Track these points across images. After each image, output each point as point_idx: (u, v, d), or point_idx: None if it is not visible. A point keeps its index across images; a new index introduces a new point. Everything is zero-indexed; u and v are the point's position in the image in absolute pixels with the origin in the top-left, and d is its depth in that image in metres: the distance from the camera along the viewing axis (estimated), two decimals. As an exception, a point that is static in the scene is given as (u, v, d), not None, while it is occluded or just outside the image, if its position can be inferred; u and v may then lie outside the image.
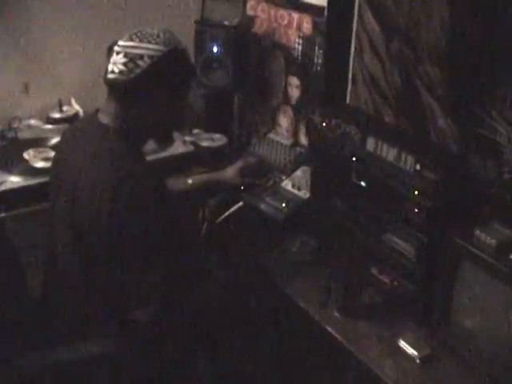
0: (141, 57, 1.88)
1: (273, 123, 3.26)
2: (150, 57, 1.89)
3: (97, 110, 2.06)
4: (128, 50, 1.90)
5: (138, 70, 1.88)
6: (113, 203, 1.82)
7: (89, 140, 2.00)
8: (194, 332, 2.18)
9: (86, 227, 1.90)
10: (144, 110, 1.97)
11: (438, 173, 1.92)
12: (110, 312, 1.99)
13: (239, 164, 2.65)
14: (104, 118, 1.99)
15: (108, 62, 1.96)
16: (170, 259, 1.97)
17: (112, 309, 1.99)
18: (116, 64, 1.91)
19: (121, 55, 1.90)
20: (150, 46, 1.90)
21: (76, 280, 1.99)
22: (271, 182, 2.62)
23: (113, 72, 1.91)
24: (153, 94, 1.94)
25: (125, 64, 1.89)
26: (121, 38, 1.95)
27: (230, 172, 2.62)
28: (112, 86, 1.95)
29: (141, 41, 1.91)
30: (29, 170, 2.64)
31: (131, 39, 1.92)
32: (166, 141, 2.27)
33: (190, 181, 2.55)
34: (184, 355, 2.16)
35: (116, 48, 1.93)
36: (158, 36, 1.92)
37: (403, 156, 2.01)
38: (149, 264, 1.92)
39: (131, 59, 1.89)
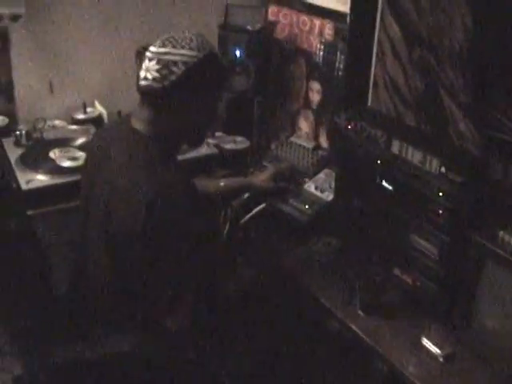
0: (175, 63, 1.86)
1: (293, 127, 3.30)
2: (185, 63, 1.86)
3: (129, 115, 2.03)
4: (161, 57, 1.88)
5: (172, 77, 1.86)
6: (147, 215, 1.80)
7: (123, 147, 1.97)
8: (218, 331, 2.20)
9: (119, 236, 1.89)
10: (178, 116, 1.95)
11: (463, 175, 1.95)
12: (139, 316, 1.99)
13: (271, 170, 2.66)
14: (137, 125, 1.97)
15: (138, 67, 1.95)
16: (199, 266, 1.99)
17: (141, 313, 1.99)
18: (149, 71, 1.88)
19: (153, 62, 1.88)
20: (184, 51, 1.87)
21: (106, 283, 2.00)
22: (297, 185, 2.65)
23: (146, 79, 1.89)
24: (187, 99, 1.92)
25: (158, 71, 1.87)
26: (152, 44, 1.93)
27: (262, 177, 2.62)
28: (145, 92, 1.92)
29: (174, 47, 1.88)
30: (55, 169, 2.68)
31: (164, 45, 1.90)
32: (199, 144, 2.25)
33: (222, 183, 2.56)
34: (207, 356, 2.18)
35: (148, 54, 1.91)
36: (192, 41, 1.90)
37: (428, 159, 2.04)
38: (180, 274, 1.92)
39: (165, 66, 1.86)
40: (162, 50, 1.89)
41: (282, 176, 2.66)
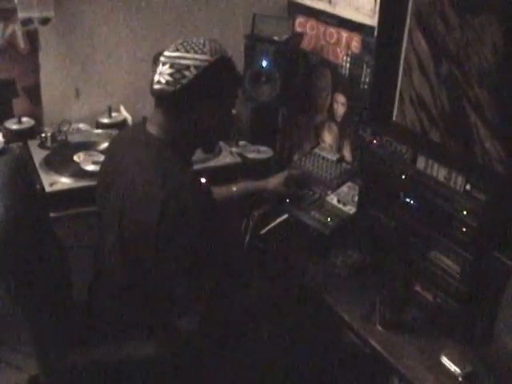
0: (187, 67, 1.89)
1: (316, 139, 3.30)
2: (196, 67, 1.89)
3: (145, 120, 2.07)
4: (174, 61, 1.91)
5: (184, 81, 1.89)
6: (160, 217, 1.82)
7: (137, 150, 2.00)
8: (234, 341, 2.20)
9: (133, 238, 1.91)
10: (191, 120, 1.97)
11: (488, 193, 1.94)
12: (154, 319, 2.01)
13: (284, 174, 2.66)
14: (152, 128, 2.00)
15: (154, 72, 1.97)
16: (214, 270, 1.99)
17: (155, 316, 2.01)
18: (162, 74, 1.91)
19: (167, 66, 1.91)
20: (196, 55, 1.90)
21: (121, 285, 2.02)
22: (316, 196, 2.65)
23: (159, 82, 1.92)
24: (200, 103, 1.95)
25: (171, 74, 1.89)
26: (167, 49, 1.96)
27: (273, 182, 2.62)
28: (158, 96, 1.95)
29: (187, 51, 1.91)
30: (79, 172, 2.68)
31: (177, 49, 1.93)
32: (212, 150, 2.25)
33: (234, 188, 2.56)
34: (221, 364, 2.18)
35: (162, 58, 1.94)
36: (204, 45, 1.93)
37: (453, 175, 2.03)
38: (194, 275, 1.93)
39: (177, 70, 1.89)
40: (175, 54, 1.92)
41: (294, 182, 2.66)
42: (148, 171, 1.91)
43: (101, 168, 2.24)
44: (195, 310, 2.01)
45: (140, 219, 1.88)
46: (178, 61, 1.90)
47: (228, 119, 2.10)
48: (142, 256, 1.91)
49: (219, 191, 2.53)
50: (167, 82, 1.90)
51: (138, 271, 1.95)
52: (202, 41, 1.94)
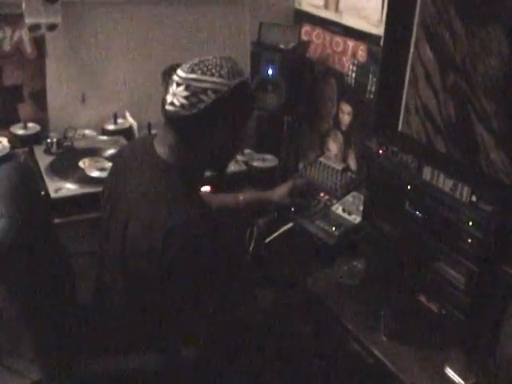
0: (204, 91, 1.79)
1: (322, 148, 3.30)
2: (215, 91, 1.79)
3: (153, 137, 2.00)
4: (190, 83, 1.80)
5: (201, 106, 1.79)
6: (164, 248, 1.76)
7: (144, 172, 1.93)
8: (236, 350, 2.19)
9: (136, 264, 1.85)
10: (202, 145, 1.90)
11: (494, 204, 1.94)
12: (156, 340, 1.99)
13: (288, 185, 2.64)
14: (161, 150, 1.92)
15: (164, 89, 1.90)
16: (219, 300, 1.95)
17: (158, 338, 1.97)
18: (176, 96, 1.81)
19: (182, 87, 1.81)
20: (214, 79, 1.80)
21: (121, 306, 1.99)
22: (321, 205, 2.64)
23: (173, 104, 1.82)
24: (214, 128, 1.86)
25: (186, 98, 1.79)
26: (180, 67, 1.87)
27: (279, 192, 2.61)
28: (171, 118, 1.85)
29: (204, 73, 1.81)
30: (84, 179, 2.69)
31: (193, 71, 1.82)
32: (222, 171, 2.15)
33: (241, 197, 2.54)
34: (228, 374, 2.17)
35: (176, 79, 1.84)
36: (222, 67, 1.82)
37: (459, 186, 2.03)
38: (197, 308, 1.89)
39: (194, 93, 1.79)
40: (192, 76, 1.81)
41: (298, 191, 2.65)
42: (155, 197, 1.85)
43: (107, 181, 2.18)
44: (199, 336, 1.98)
45: (142, 248, 1.81)
46: (194, 83, 1.80)
47: (240, 142, 2.03)
48: (143, 283, 1.86)
49: (226, 199, 2.53)
50: (182, 105, 1.80)
51: (138, 294, 1.91)
52: (218, 62, 1.84)
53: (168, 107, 1.84)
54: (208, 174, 2.12)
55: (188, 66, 1.85)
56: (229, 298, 2.02)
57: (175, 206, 1.81)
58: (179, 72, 1.85)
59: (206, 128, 1.86)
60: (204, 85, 1.80)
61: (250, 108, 1.96)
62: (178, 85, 1.82)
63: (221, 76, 1.81)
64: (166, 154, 1.91)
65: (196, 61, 1.86)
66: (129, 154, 2.11)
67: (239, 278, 2.17)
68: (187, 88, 1.80)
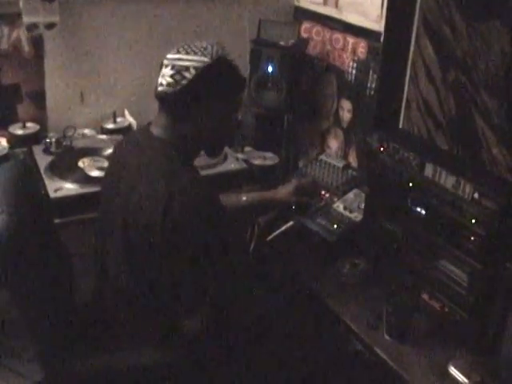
0: (187, 68, 1.91)
1: (322, 145, 3.29)
2: (195, 68, 1.91)
3: (149, 123, 2.08)
4: (175, 63, 1.93)
5: (184, 82, 1.90)
6: (164, 217, 1.83)
7: (141, 152, 2.01)
8: (239, 347, 2.19)
9: (138, 240, 1.92)
10: (194, 122, 1.98)
11: (496, 201, 1.92)
12: (159, 323, 2.02)
13: (293, 184, 2.63)
14: (156, 131, 2.01)
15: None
16: (218, 272, 1.98)
17: (161, 320, 2.02)
18: (164, 77, 1.93)
19: (168, 68, 1.93)
20: (196, 57, 1.92)
21: (126, 290, 2.02)
22: (323, 203, 2.63)
23: (161, 85, 1.94)
24: (201, 105, 1.96)
25: (172, 76, 1.91)
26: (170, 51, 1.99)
27: (283, 191, 2.60)
28: (161, 98, 1.97)
29: (187, 53, 1.93)
30: (84, 178, 2.68)
31: (178, 52, 1.95)
32: (216, 154, 2.24)
33: (244, 197, 2.54)
34: (227, 370, 2.17)
35: (164, 61, 1.97)
36: (206, 48, 1.95)
37: (461, 184, 2.01)
38: (198, 275, 1.94)
39: (178, 71, 1.91)
40: (176, 56, 1.95)
41: (303, 190, 2.64)
42: (151, 172, 1.93)
43: (105, 173, 2.25)
44: (200, 312, 2.01)
45: (144, 220, 1.89)
46: (178, 62, 1.93)
47: (231, 122, 2.11)
48: (147, 258, 1.92)
49: (228, 199, 2.52)
50: (168, 84, 1.92)
51: (142, 274, 1.96)
52: (204, 44, 1.97)
53: (158, 88, 1.96)
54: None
55: (175, 48, 1.98)
56: (231, 271, 2.04)
57: (172, 177, 1.89)
58: (168, 55, 1.98)
59: (191, 104, 1.95)
60: (186, 63, 1.92)
61: (233, 86, 2.05)
62: (166, 66, 1.96)
63: (203, 55, 1.93)
64: (160, 133, 2.01)
65: (183, 43, 1.99)
66: (125, 143, 2.21)
67: (240, 275, 2.16)
68: (172, 67, 1.93)
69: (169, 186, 1.85)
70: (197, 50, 1.94)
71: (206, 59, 1.92)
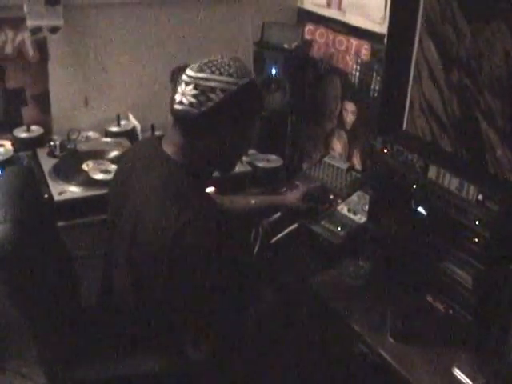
0: (213, 90, 1.80)
1: (326, 147, 3.29)
2: (223, 90, 1.81)
3: (160, 136, 2.00)
4: (199, 82, 1.82)
5: (209, 104, 1.80)
6: (172, 248, 1.76)
7: (153, 171, 1.92)
8: (242, 352, 2.18)
9: (143, 264, 1.86)
10: (211, 143, 1.89)
11: (501, 204, 1.92)
12: (163, 342, 1.98)
13: (302, 189, 2.63)
14: (168, 148, 1.92)
15: (173, 89, 1.90)
16: (226, 301, 1.93)
17: (165, 339, 1.97)
18: (185, 95, 1.83)
19: (190, 86, 1.82)
20: (223, 78, 1.81)
21: (129, 306, 1.98)
22: (326, 206, 2.63)
23: (181, 103, 1.83)
24: (222, 127, 1.87)
25: (195, 96, 1.81)
26: (188, 66, 1.89)
27: (291, 197, 2.60)
28: (180, 117, 1.87)
29: (212, 72, 1.82)
30: (88, 181, 2.69)
31: (202, 70, 1.84)
32: (229, 171, 2.13)
33: (252, 201, 2.53)
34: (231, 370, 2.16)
35: (185, 78, 1.86)
36: (230, 67, 1.84)
37: (465, 186, 2.01)
38: (207, 308, 1.88)
39: (202, 91, 1.81)
40: (200, 75, 1.83)
41: (312, 196, 2.63)
42: (163, 197, 1.84)
43: (114, 182, 2.16)
44: (206, 339, 1.95)
45: (151, 247, 1.81)
46: (202, 82, 1.82)
47: (248, 143, 2.04)
48: (152, 281, 1.86)
49: (236, 201, 2.52)
50: (191, 104, 1.82)
51: (146, 294, 1.91)
52: (226, 61, 1.86)
53: (177, 106, 1.85)
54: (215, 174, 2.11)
55: (197, 65, 1.86)
56: (239, 298, 2.00)
57: (184, 204, 1.80)
58: (188, 71, 1.87)
59: (214, 127, 1.86)
60: (212, 84, 1.81)
61: (257, 107, 1.97)
62: (187, 84, 1.84)
63: (229, 75, 1.82)
64: (174, 154, 1.91)
65: (205, 60, 1.87)
66: (134, 155, 2.10)
67: (244, 278, 2.15)
68: (196, 87, 1.82)
69: (180, 219, 1.76)
70: (222, 70, 1.83)
71: (233, 80, 1.82)
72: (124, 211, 1.95)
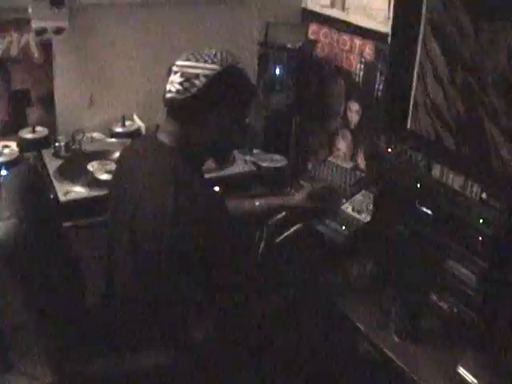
0: (196, 76, 1.89)
1: (330, 147, 3.30)
2: (206, 76, 1.89)
3: (156, 129, 2.06)
4: (184, 70, 1.91)
5: (193, 89, 1.89)
6: (172, 227, 1.83)
7: (149, 159, 2.01)
8: (247, 351, 2.19)
9: (144, 249, 1.92)
10: (201, 129, 1.97)
11: (504, 202, 1.92)
12: (167, 329, 2.02)
13: (308, 190, 2.62)
14: (163, 137, 2.00)
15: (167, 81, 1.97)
16: (227, 280, 1.98)
17: (169, 325, 2.02)
18: (173, 83, 1.92)
19: (178, 75, 1.92)
20: (206, 65, 1.90)
21: (134, 296, 2.02)
22: (331, 205, 2.63)
23: (170, 91, 1.93)
24: (210, 112, 1.95)
25: (181, 83, 1.90)
26: (179, 57, 1.97)
27: (298, 198, 2.58)
28: (169, 105, 1.96)
29: (197, 60, 1.92)
30: (93, 182, 2.69)
31: (188, 59, 1.93)
32: (224, 161, 2.25)
33: (257, 203, 2.53)
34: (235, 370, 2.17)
35: (174, 68, 1.95)
36: (215, 56, 1.93)
37: (469, 184, 2.02)
38: (206, 285, 1.94)
39: (187, 78, 1.90)
40: (186, 63, 1.93)
41: (318, 196, 2.63)
42: (159, 181, 1.92)
43: (113, 178, 2.25)
44: (208, 319, 2.02)
45: (151, 230, 1.88)
46: (187, 70, 1.91)
47: (239, 129, 2.09)
48: (154, 267, 1.91)
49: (241, 204, 2.52)
50: (177, 91, 1.91)
51: (150, 281, 1.96)
52: (213, 51, 1.95)
53: (166, 95, 1.95)
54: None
55: (184, 55, 1.96)
56: (240, 279, 2.04)
57: (179, 186, 1.87)
58: (177, 62, 1.96)
59: (200, 112, 1.94)
60: (196, 70, 1.91)
61: (243, 93, 2.03)
62: (175, 73, 1.94)
63: (213, 62, 1.92)
64: (168, 140, 1.99)
65: (192, 50, 1.97)
66: (132, 148, 2.20)
67: (248, 277, 2.16)
68: (182, 75, 1.91)
69: (176, 196, 1.84)
70: (207, 58, 1.92)
71: (215, 66, 1.91)
72: (123, 203, 2.02)
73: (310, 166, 3.36)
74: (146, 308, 2.00)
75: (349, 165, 2.85)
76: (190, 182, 1.91)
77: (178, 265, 1.88)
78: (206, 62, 1.91)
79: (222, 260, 1.93)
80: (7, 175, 2.55)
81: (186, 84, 1.90)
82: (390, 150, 2.27)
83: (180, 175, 1.91)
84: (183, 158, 1.96)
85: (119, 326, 2.09)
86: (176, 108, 1.95)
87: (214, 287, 1.96)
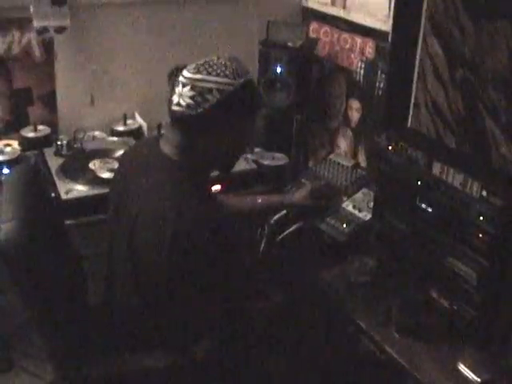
0: (209, 91, 1.82)
1: (331, 145, 3.30)
2: (219, 91, 1.82)
3: (158, 136, 2.02)
4: (195, 83, 1.83)
5: (206, 105, 1.81)
6: (172, 245, 1.78)
7: (151, 170, 1.95)
8: (247, 350, 2.19)
9: (143, 263, 1.89)
10: (209, 143, 1.91)
11: (504, 199, 1.93)
12: (168, 339, 2.00)
13: (308, 187, 2.62)
14: (167, 149, 1.94)
15: (171, 89, 1.90)
16: (227, 294, 1.95)
17: (170, 337, 1.99)
18: (182, 97, 1.83)
19: (187, 88, 1.83)
20: (219, 79, 1.83)
21: (132, 305, 1.99)
22: (332, 203, 2.64)
23: (179, 105, 1.84)
24: (220, 127, 1.89)
25: (192, 97, 1.82)
26: (186, 68, 1.89)
27: (299, 195, 2.59)
28: (177, 118, 1.88)
29: (209, 73, 1.83)
30: (95, 180, 2.71)
31: (198, 71, 1.85)
32: (228, 170, 2.15)
33: (259, 200, 2.54)
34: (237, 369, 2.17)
35: (182, 79, 1.86)
36: (226, 67, 1.85)
37: (469, 181, 2.02)
38: (205, 301, 1.90)
39: (199, 93, 1.82)
40: (197, 76, 1.84)
41: (319, 194, 2.63)
42: (161, 196, 1.86)
43: (113, 182, 2.19)
44: (210, 334, 1.99)
45: (151, 244, 1.83)
46: (199, 83, 1.83)
47: (245, 141, 2.06)
48: (153, 280, 1.88)
49: (243, 201, 2.53)
50: (188, 105, 1.83)
51: (148, 293, 1.93)
52: (223, 62, 1.87)
53: (174, 107, 1.86)
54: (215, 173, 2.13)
55: (193, 66, 1.87)
56: (239, 293, 2.02)
57: (182, 201, 1.82)
58: (185, 73, 1.87)
59: (211, 127, 1.88)
60: (209, 85, 1.82)
61: (254, 107, 1.98)
62: (184, 85, 1.85)
63: (225, 76, 1.84)
64: (172, 153, 1.93)
65: (201, 61, 1.88)
66: (133, 155, 2.13)
67: (250, 276, 2.16)
68: (193, 88, 1.83)
69: (178, 213, 1.79)
70: (219, 71, 1.84)
71: (229, 81, 1.83)
72: (124, 210, 1.97)
73: (310, 164, 3.37)
74: (146, 309, 1.98)
75: (349, 163, 2.85)
76: (192, 197, 1.86)
77: (177, 284, 1.84)
78: (218, 75, 1.83)
79: (220, 279, 1.88)
80: (9, 174, 2.56)
81: (199, 99, 1.82)
82: (390, 147, 2.27)
83: (182, 192, 1.86)
84: (187, 173, 1.91)
85: (121, 326, 2.08)
86: (184, 122, 1.87)
87: (213, 306, 1.93)
